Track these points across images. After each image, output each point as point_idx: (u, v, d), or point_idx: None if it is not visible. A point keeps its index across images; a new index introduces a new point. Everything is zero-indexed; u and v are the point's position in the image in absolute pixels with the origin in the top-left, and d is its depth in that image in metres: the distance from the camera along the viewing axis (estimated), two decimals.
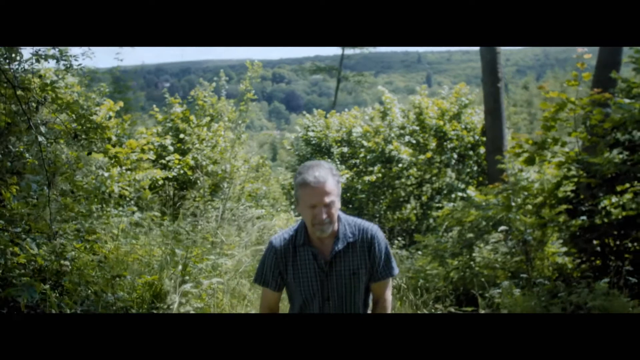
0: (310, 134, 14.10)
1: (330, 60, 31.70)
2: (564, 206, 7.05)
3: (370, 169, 13.40)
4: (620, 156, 6.80)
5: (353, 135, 14.05)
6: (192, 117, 10.08)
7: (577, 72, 6.99)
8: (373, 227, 3.11)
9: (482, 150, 13.18)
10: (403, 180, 13.15)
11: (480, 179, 13.29)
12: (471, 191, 12.42)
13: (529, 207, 7.70)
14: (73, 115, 3.21)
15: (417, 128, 13.23)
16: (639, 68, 6.85)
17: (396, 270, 3.16)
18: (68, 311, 2.63)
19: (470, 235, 8.52)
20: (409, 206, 13.48)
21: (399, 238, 11.13)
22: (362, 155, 13.67)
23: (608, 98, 6.87)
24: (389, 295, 3.20)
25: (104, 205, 6.91)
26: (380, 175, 13.02)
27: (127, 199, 7.84)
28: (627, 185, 6.68)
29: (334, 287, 3.03)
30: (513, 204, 8.22)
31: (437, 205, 12.46)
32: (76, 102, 3.37)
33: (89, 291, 3.40)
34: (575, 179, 6.82)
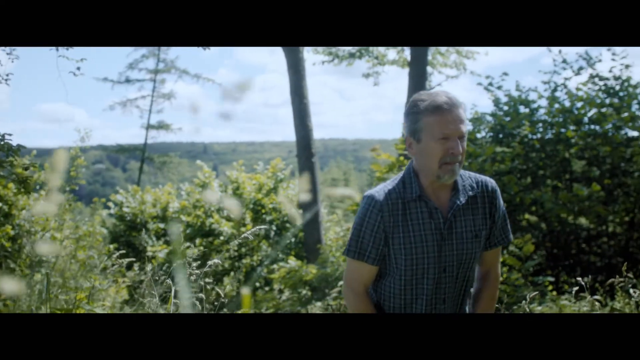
0: (125, 209, 13.68)
1: (114, 149, 30.36)
2: None
3: (188, 244, 13.29)
4: None
5: (169, 211, 13.92)
6: (11, 185, 9.36)
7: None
8: (491, 180, 2.47)
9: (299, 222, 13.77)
10: (224, 253, 13.25)
11: (297, 250, 13.84)
12: (292, 261, 12.89)
13: None
14: None
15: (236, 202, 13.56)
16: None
17: (512, 236, 2.56)
18: None
19: (308, 293, 8.91)
20: (225, 280, 13.52)
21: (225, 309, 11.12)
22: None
23: None
24: (499, 267, 2.56)
25: None
26: (202, 248, 12.97)
27: None
28: None
29: (453, 252, 2.34)
30: None
31: (265, 275, 12.69)
32: None
33: None
34: None
